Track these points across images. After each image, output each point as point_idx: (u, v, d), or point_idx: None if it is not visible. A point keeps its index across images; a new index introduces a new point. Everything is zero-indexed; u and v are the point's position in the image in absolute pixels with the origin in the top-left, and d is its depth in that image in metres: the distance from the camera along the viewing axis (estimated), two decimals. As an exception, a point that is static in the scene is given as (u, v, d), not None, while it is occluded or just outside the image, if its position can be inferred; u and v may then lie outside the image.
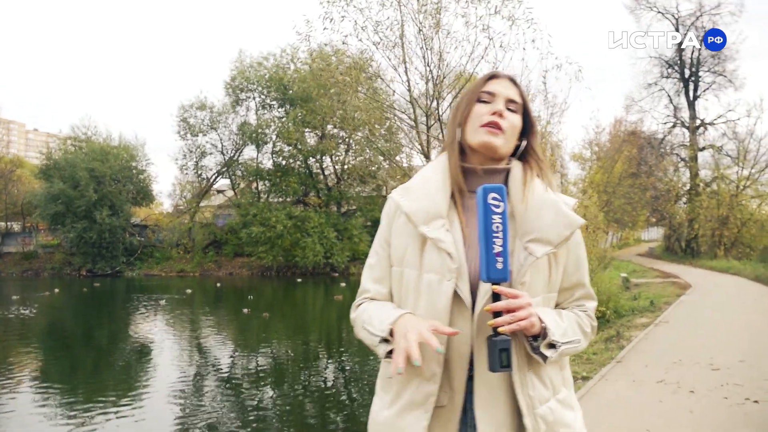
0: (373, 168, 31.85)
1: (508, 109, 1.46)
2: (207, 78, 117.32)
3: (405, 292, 1.45)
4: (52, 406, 8.53)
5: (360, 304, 1.56)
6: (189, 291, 26.15)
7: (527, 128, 1.51)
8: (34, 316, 18.37)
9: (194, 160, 38.80)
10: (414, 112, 8.78)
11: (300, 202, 36.85)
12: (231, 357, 12.54)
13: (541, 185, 1.46)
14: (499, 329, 1.27)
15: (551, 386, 1.42)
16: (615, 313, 11.78)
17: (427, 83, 8.64)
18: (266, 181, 37.25)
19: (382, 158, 27.57)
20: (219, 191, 41.83)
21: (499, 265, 1.27)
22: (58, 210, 35.25)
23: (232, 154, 38.65)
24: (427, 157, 9.01)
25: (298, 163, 36.56)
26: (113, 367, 11.65)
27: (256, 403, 8.82)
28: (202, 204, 40.34)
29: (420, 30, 8.01)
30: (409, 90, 8.56)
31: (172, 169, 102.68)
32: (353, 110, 16.81)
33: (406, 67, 8.38)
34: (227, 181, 40.40)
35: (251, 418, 7.95)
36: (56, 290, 27.17)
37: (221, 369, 11.30)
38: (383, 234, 1.54)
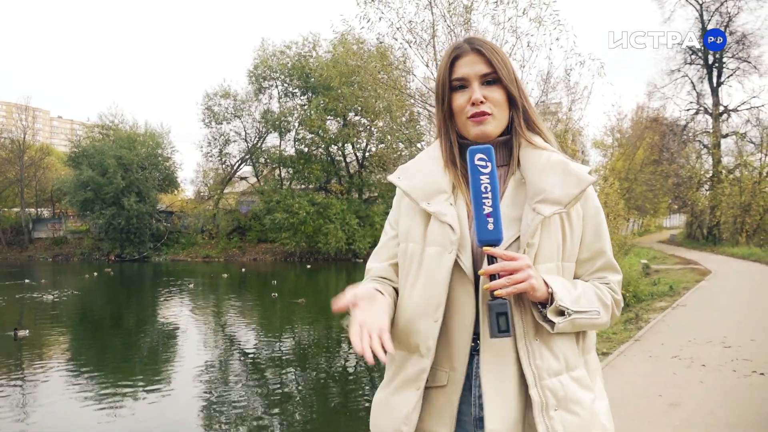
0: (395, 155, 32.27)
1: (486, 83, 1.41)
2: (230, 66, 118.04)
3: (407, 266, 1.43)
4: (84, 388, 8.97)
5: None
6: (225, 275, 26.88)
7: (512, 91, 1.43)
8: (67, 299, 19.06)
9: (218, 147, 39.54)
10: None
11: (322, 189, 37.38)
12: (257, 341, 12.98)
13: (548, 148, 1.43)
14: (496, 292, 1.23)
15: (564, 360, 1.35)
16: (634, 297, 12.06)
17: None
18: (289, 169, 37.81)
19: (403, 145, 27.96)
20: (242, 178, 42.52)
21: (490, 226, 1.25)
22: (88, 197, 36.19)
23: (255, 142, 39.29)
24: None
25: (321, 150, 37.07)
26: (141, 350, 12.15)
27: (281, 385, 9.18)
28: (226, 191, 41.07)
29: (452, 30, 8.37)
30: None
31: (195, 156, 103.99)
32: (375, 98, 17.13)
33: (437, 65, 8.81)
34: (250, 168, 41.05)
35: (276, 400, 8.32)
36: (95, 274, 28.06)
37: (247, 352, 11.71)
38: (393, 215, 1.55)
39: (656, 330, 8.35)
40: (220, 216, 38.74)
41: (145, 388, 8.91)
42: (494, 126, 1.41)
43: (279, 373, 9.88)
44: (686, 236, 35.37)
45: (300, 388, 9.10)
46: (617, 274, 1.45)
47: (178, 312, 17.15)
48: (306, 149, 36.98)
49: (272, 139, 39.02)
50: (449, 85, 1.43)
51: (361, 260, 33.50)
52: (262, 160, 39.52)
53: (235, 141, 39.62)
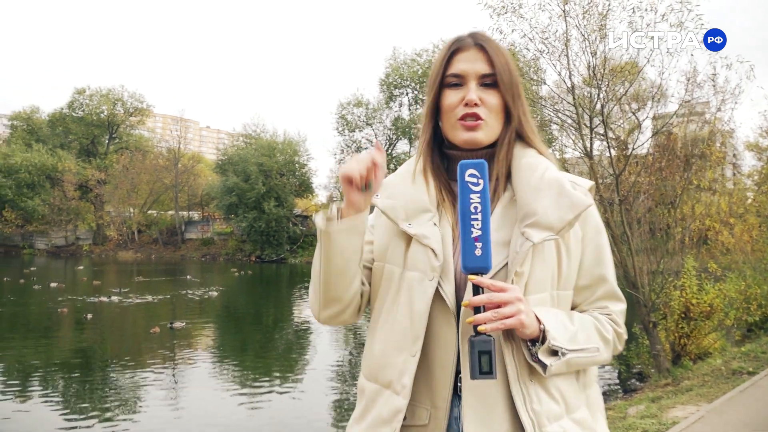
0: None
1: (484, 85, 1.25)
2: (363, 76, 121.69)
3: (386, 288, 1.28)
4: (227, 378, 9.74)
5: None
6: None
7: (508, 100, 1.27)
8: (214, 295, 20.58)
9: (351, 154, 40.93)
10: (577, 113, 8.97)
11: (451, 195, 37.57)
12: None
13: (544, 163, 1.26)
14: (480, 327, 1.08)
15: (563, 402, 1.18)
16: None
17: (591, 87, 8.83)
18: (418, 174, 38.43)
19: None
20: (373, 184, 43.62)
21: (478, 252, 1.09)
22: (232, 201, 38.96)
23: (385, 148, 40.31)
24: (590, 156, 9.16)
25: (449, 156, 37.33)
26: (278, 346, 12.91)
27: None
28: (357, 196, 42.48)
29: (585, 38, 8.19)
30: (573, 95, 8.80)
31: (329, 163, 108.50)
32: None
33: (570, 73, 8.63)
34: (381, 174, 42.12)
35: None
36: (242, 272, 30.17)
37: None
38: (370, 220, 1.36)
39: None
40: (351, 220, 40.09)
41: (280, 382, 9.48)
42: (485, 134, 1.26)
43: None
44: None
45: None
46: (620, 302, 1.29)
47: (311, 312, 17.99)
48: (435, 155, 37.45)
49: (402, 146, 39.90)
50: (441, 80, 1.28)
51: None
52: (392, 166, 40.25)
53: (366, 148, 40.73)
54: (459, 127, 1.25)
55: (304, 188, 43.19)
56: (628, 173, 9.38)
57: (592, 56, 8.29)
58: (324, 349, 12.31)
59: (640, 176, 9.41)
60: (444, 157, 1.34)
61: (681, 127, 11.11)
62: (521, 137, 1.30)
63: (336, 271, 1.24)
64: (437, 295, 1.19)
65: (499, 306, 1.09)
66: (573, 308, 1.27)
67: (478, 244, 1.09)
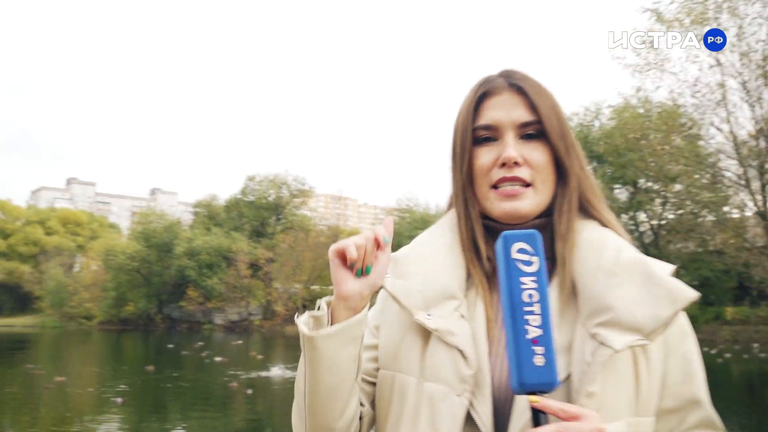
0: (698, 220, 29.16)
1: (526, 136, 0.97)
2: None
3: (398, 407, 0.95)
4: None
5: None
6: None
7: (560, 153, 0.99)
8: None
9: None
10: (745, 172, 8.16)
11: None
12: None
13: (613, 239, 0.95)
14: None
15: None
16: None
17: (757, 140, 8.01)
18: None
19: (707, 210, 25.33)
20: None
21: (539, 360, 0.73)
22: (388, 275, 39.94)
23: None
24: (764, 216, 8.21)
25: (610, 220, 35.64)
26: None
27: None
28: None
29: (745, 86, 7.49)
30: (737, 151, 8.05)
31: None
32: (669, 160, 15.92)
33: (731, 126, 7.93)
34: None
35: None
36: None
37: None
38: (374, 317, 1.07)
39: None
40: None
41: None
42: (532, 202, 0.96)
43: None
44: None
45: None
46: None
47: None
48: (595, 220, 35.97)
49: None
50: (471, 136, 0.99)
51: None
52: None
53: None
54: (493, 198, 0.97)
55: (458, 260, 43.34)
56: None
57: (756, 104, 7.49)
58: None
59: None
60: (485, 229, 1.01)
61: None
62: (583, 202, 1.02)
63: (325, 391, 0.92)
64: (469, 419, 0.87)
65: None
66: None
67: (539, 349, 0.74)
